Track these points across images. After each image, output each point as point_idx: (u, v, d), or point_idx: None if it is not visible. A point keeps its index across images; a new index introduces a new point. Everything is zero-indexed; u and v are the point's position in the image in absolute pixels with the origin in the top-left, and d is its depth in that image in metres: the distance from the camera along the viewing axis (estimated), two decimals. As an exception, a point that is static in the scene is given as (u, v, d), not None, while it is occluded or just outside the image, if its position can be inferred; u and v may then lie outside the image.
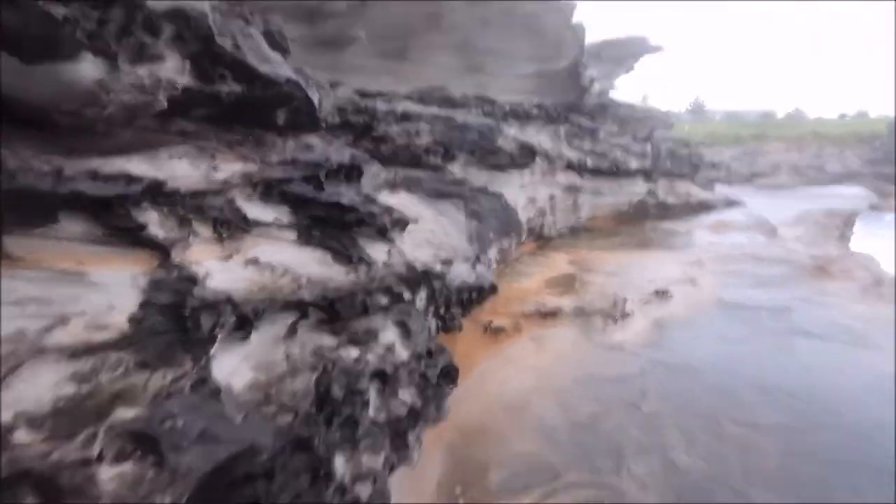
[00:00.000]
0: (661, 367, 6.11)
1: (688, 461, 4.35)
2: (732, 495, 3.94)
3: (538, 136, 12.33)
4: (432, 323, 4.60)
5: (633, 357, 6.35)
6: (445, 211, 6.78)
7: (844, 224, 16.64)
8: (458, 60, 19.76)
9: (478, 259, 7.10)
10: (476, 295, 5.21)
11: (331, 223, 3.53)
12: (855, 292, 8.65)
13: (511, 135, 9.88)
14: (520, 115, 11.42)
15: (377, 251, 3.71)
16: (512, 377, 5.67)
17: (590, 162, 13.59)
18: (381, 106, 7.58)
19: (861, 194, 31.71)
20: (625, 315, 7.21)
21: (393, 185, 6.55)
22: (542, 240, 12.12)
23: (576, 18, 21.18)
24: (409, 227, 4.69)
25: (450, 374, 4.04)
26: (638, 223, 14.61)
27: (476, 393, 5.24)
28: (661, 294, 7.93)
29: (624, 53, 25.57)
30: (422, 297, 4.16)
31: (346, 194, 3.74)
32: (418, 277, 3.91)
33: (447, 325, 4.97)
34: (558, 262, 9.73)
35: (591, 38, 26.02)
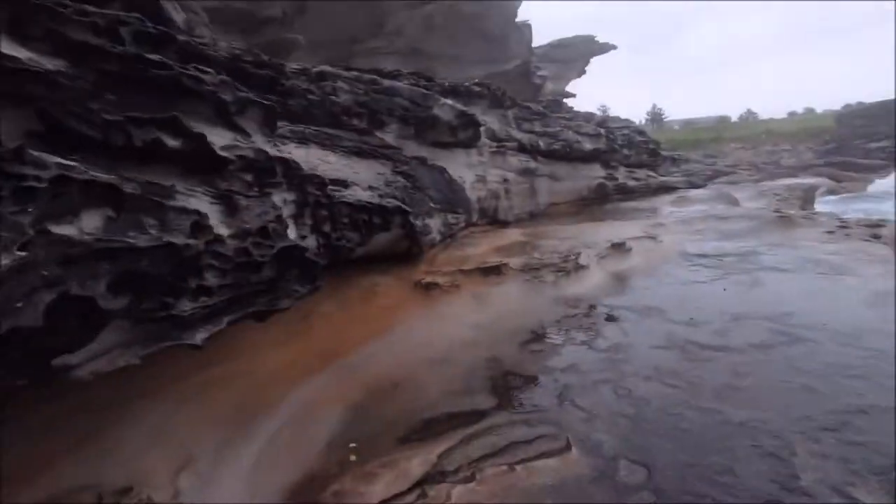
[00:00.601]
0: (621, 311, 5.32)
1: (647, 388, 3.51)
2: (701, 415, 3.10)
3: (484, 117, 11.77)
4: (310, 237, 3.70)
5: (587, 306, 5.56)
6: (366, 166, 5.99)
7: (805, 194, 16.50)
8: (404, 66, 19.42)
9: (414, 216, 6.30)
10: (380, 221, 4.36)
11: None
12: (822, 234, 8.12)
13: (449, 103, 9.23)
14: (461, 93, 10.86)
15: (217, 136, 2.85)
16: (442, 332, 4.78)
17: (542, 144, 13.09)
18: (291, 65, 6.85)
19: (818, 181, 32.37)
20: (579, 268, 6.44)
21: (303, 139, 5.75)
22: (498, 223, 11.40)
23: (524, 18, 21.41)
24: (302, 155, 3.89)
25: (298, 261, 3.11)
26: (599, 205, 14.10)
27: (395, 350, 4.32)
28: (619, 247, 7.21)
29: (574, 54, 25.99)
30: (286, 199, 3.29)
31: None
32: (274, 167, 3.04)
33: (334, 246, 4.06)
34: (510, 234, 8.99)
35: (541, 40, 26.44)
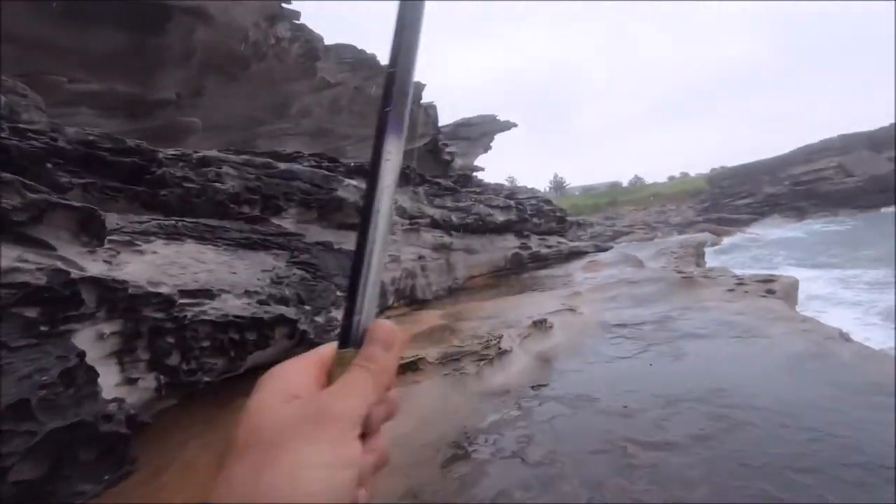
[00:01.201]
0: (551, 402, 4.81)
1: (593, 515, 2.91)
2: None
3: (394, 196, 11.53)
4: (147, 376, 2.81)
5: (515, 398, 5.00)
6: (254, 259, 5.21)
7: (696, 250, 17.94)
8: (313, 147, 19.17)
9: (314, 314, 5.52)
10: (256, 337, 3.57)
11: None
12: (724, 293, 8.46)
13: (354, 184, 8.81)
14: (366, 173, 10.54)
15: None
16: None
17: (455, 219, 13.04)
18: (167, 151, 6.08)
19: (703, 236, 36.03)
20: (501, 353, 5.94)
21: (174, 234, 4.89)
22: (416, 303, 10.82)
23: (429, 100, 22.36)
24: (152, 258, 3.09)
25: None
26: (516, 274, 14.12)
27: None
28: (540, 324, 6.88)
29: (478, 132, 27.52)
30: (103, 333, 2.44)
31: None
32: (78, 292, 2.21)
33: (185, 383, 3.17)
34: (429, 318, 8.40)
35: (447, 119, 27.80)
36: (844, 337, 5.92)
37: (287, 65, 16.83)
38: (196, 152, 6.72)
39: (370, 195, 0.50)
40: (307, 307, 4.95)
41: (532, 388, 5.25)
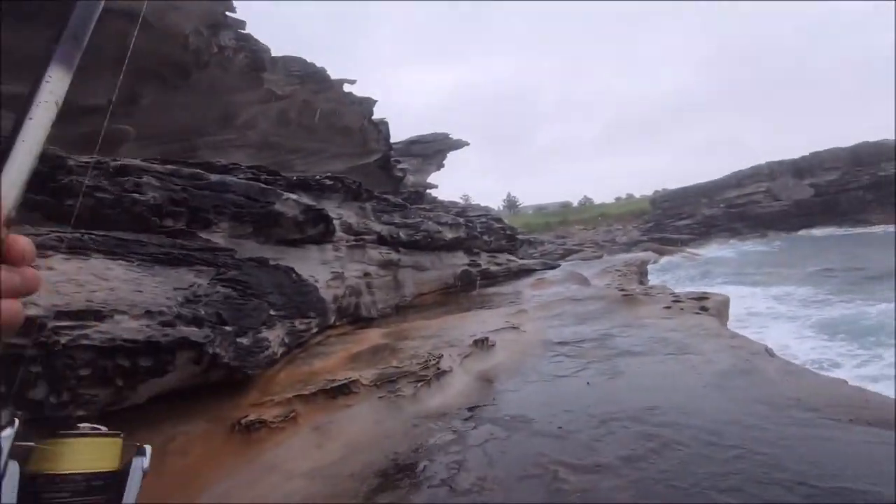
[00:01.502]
0: (487, 424, 4.66)
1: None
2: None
3: (339, 211, 11.24)
4: None
5: (451, 421, 4.81)
6: (170, 276, 4.80)
7: (640, 268, 18.59)
8: (258, 160, 18.49)
9: (237, 335, 5.14)
10: (151, 364, 3.21)
11: None
12: (661, 310, 8.69)
13: (294, 198, 8.47)
14: (311, 187, 10.24)
15: None
16: (265, 495, 3.59)
17: (403, 235, 12.85)
18: (79, 158, 5.58)
19: (647, 255, 37.44)
20: (440, 373, 5.76)
21: (78, 248, 4.43)
22: (361, 321, 10.46)
23: (381, 116, 22.22)
24: (46, 274, 2.72)
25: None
26: (465, 292, 14.05)
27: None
28: (482, 343, 6.76)
29: (430, 150, 27.64)
30: None
31: None
32: None
33: (49, 417, 2.77)
34: (371, 337, 8.11)
35: (401, 136, 27.78)
36: (769, 352, 6.16)
37: (231, 75, 16.24)
38: (115, 160, 6.21)
39: (27, 106, 0.55)
40: (228, 328, 4.58)
41: (469, 409, 5.08)
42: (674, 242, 54.92)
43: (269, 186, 8.25)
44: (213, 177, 7.09)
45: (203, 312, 4.21)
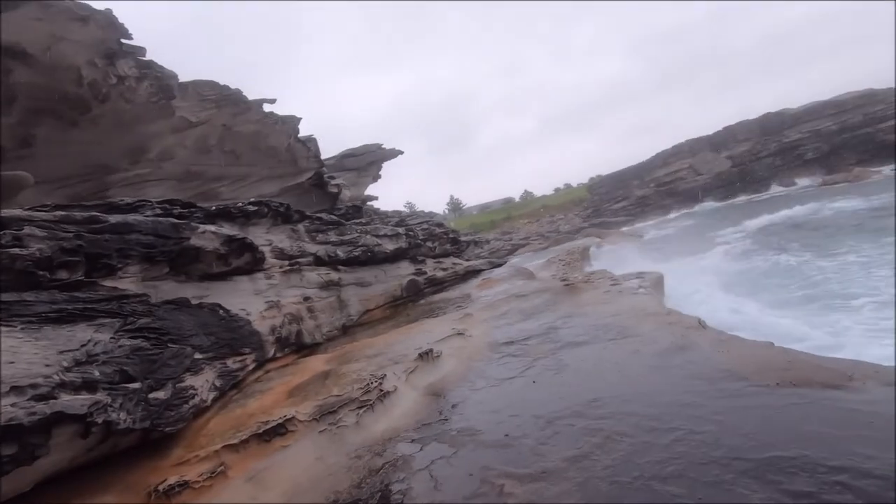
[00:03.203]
0: (433, 443, 4.46)
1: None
2: None
3: (268, 237, 10.71)
4: None
5: (397, 446, 4.57)
6: (61, 337, 4.25)
7: (582, 255, 19.07)
8: (182, 192, 17.40)
9: (151, 389, 4.66)
10: (17, 450, 2.75)
11: None
12: (602, 295, 8.85)
13: (212, 230, 7.93)
14: (234, 215, 9.66)
15: None
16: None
17: (341, 253, 12.44)
18: (-60, 215, 4.88)
19: (588, 241, 38.61)
20: (384, 395, 5.50)
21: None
22: (305, 349, 9.97)
23: (309, 132, 21.58)
24: None
25: None
26: (413, 301, 13.81)
27: None
28: (427, 356, 6.56)
29: (364, 162, 27.16)
30: None
31: None
32: None
33: None
34: (313, 365, 7.70)
35: (332, 150, 27.14)
36: (702, 324, 6.35)
37: (137, 105, 15.14)
38: (-12, 213, 5.51)
39: None
40: (134, 385, 4.11)
41: (416, 429, 4.86)
42: (614, 225, 57.23)
43: (182, 221, 7.66)
44: (113, 217, 6.47)
45: (97, 374, 3.74)
